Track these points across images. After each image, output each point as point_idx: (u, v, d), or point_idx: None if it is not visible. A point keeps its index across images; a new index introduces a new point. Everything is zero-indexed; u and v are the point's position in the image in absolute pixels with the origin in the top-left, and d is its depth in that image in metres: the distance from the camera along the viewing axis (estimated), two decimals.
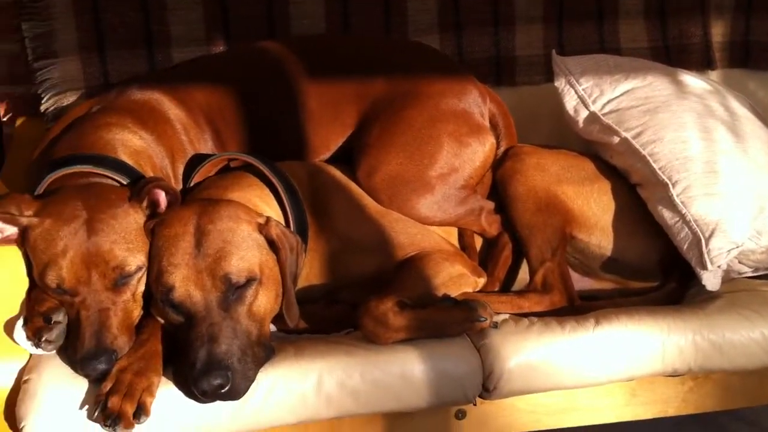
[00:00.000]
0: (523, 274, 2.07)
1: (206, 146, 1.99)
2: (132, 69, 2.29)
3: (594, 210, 2.04)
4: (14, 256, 1.65)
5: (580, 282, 2.09)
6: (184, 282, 1.56)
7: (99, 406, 1.48)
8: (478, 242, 2.08)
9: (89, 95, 2.24)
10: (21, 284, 1.65)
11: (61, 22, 2.24)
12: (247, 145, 2.02)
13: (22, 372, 1.62)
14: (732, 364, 1.81)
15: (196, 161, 1.93)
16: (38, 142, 2.07)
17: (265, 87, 2.06)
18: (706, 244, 1.88)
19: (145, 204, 1.66)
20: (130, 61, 2.30)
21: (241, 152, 1.92)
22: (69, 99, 2.25)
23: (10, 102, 2.53)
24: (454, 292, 1.83)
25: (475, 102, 2.10)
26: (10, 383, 1.62)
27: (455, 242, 2.04)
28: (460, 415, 1.80)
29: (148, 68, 2.31)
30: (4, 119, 2.54)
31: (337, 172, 1.99)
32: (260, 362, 1.59)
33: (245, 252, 1.60)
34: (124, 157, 1.78)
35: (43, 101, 2.26)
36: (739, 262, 2.00)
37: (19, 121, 2.39)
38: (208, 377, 1.46)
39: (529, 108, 2.46)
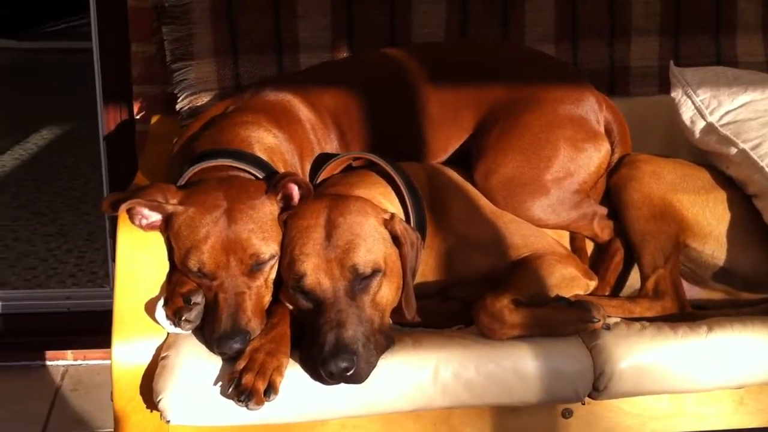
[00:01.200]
0: (633, 281, 2.10)
1: (332, 146, 2.10)
2: (262, 72, 2.42)
3: (709, 219, 2.06)
4: (158, 241, 1.78)
5: (690, 291, 2.10)
6: (315, 270, 1.67)
7: (233, 383, 1.59)
8: (589, 247, 2.12)
9: (222, 96, 2.38)
10: (163, 268, 1.78)
11: (199, 26, 2.39)
12: (370, 146, 2.12)
13: (159, 350, 1.74)
14: None
15: (322, 159, 2.04)
16: (175, 138, 2.24)
17: (388, 92, 2.16)
18: None
19: (279, 197, 1.77)
20: (261, 65, 2.43)
21: (365, 152, 2.02)
22: (203, 99, 2.39)
23: (144, 101, 2.71)
24: (566, 294, 1.88)
25: (592, 109, 2.15)
26: (147, 360, 1.74)
27: (567, 246, 2.09)
28: (567, 414, 1.84)
29: (277, 72, 2.43)
30: (137, 117, 2.73)
31: (454, 174, 2.07)
32: (381, 350, 1.68)
33: (372, 245, 1.69)
34: (260, 153, 1.89)
35: (179, 100, 2.40)
36: None
37: (154, 119, 2.55)
38: (335, 359, 1.56)
39: (642, 118, 2.47)
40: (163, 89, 2.65)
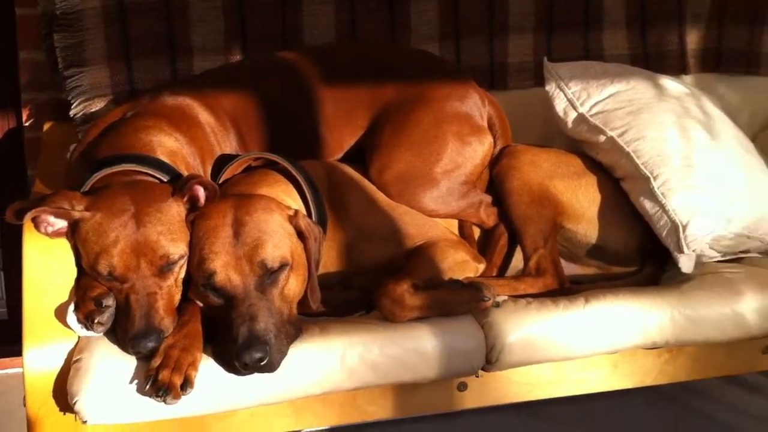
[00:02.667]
0: (516, 262, 2.27)
1: (231, 147, 2.17)
2: (156, 76, 2.46)
3: (582, 202, 2.25)
4: (64, 247, 1.82)
5: (567, 268, 2.27)
6: (225, 267, 1.75)
7: (150, 380, 1.65)
8: (476, 232, 2.28)
9: (116, 101, 2.41)
10: (70, 274, 1.82)
11: (91, 32, 2.39)
12: (268, 146, 2.20)
13: (71, 353, 1.78)
14: (705, 337, 2.03)
15: (222, 161, 2.11)
16: (73, 145, 2.26)
17: (285, 93, 2.25)
18: (684, 231, 2.10)
19: (185, 198, 1.83)
20: (155, 69, 2.46)
21: (266, 152, 2.10)
22: (97, 105, 2.41)
23: (33, 108, 2.70)
24: (459, 276, 2.03)
25: (476, 105, 2.31)
26: (59, 364, 1.78)
27: (456, 232, 2.24)
28: (462, 387, 1.99)
29: (171, 75, 2.47)
30: (26, 124, 2.71)
31: (351, 170, 2.18)
32: (291, 339, 1.78)
33: (279, 240, 1.79)
34: (162, 157, 1.94)
35: (72, 106, 2.41)
36: (710, 248, 2.21)
37: (46, 126, 2.55)
38: (250, 351, 1.65)
39: (520, 110, 2.63)
40: (53, 96, 2.65)
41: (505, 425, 2.48)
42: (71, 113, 2.42)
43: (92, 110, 2.41)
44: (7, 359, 2.87)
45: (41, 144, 2.51)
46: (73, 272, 1.82)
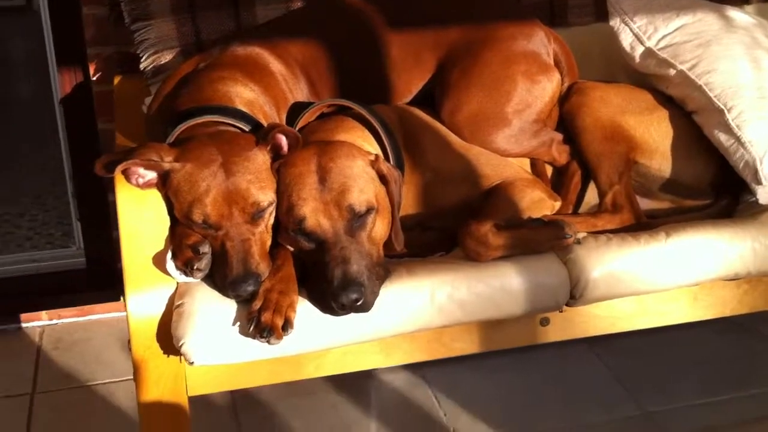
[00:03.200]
0: (589, 198, 2.30)
1: (303, 95, 2.20)
2: (221, 27, 2.46)
3: (654, 137, 2.25)
4: (156, 198, 1.87)
5: (641, 202, 2.27)
6: (314, 213, 1.79)
7: (252, 322, 1.72)
8: (548, 171, 2.30)
9: (184, 53, 2.43)
10: (163, 222, 1.87)
11: None
12: (338, 92, 2.22)
13: (171, 299, 1.85)
14: None
15: (296, 108, 2.14)
16: (147, 98, 2.30)
17: (350, 39, 2.26)
18: (761, 163, 2.10)
19: (269, 147, 1.87)
20: (219, 20, 2.46)
21: (341, 99, 2.12)
22: (166, 57, 2.42)
23: (99, 62, 2.74)
24: (536, 215, 2.06)
25: (542, 42, 2.30)
26: (160, 309, 1.85)
27: (530, 171, 2.26)
28: (545, 322, 2.04)
29: (235, 26, 2.47)
30: (94, 78, 2.75)
31: (422, 113, 2.20)
32: (381, 280, 1.83)
33: (363, 185, 1.82)
34: (241, 107, 1.98)
35: (142, 60, 2.43)
36: None
37: (116, 80, 2.59)
38: (346, 292, 1.70)
39: (581, 46, 2.61)
40: (118, 49, 2.69)
41: (580, 357, 2.54)
42: (141, 66, 2.43)
43: (162, 62, 2.43)
44: (87, 306, 2.95)
45: (114, 98, 2.55)
46: (166, 221, 1.87)
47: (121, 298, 2.97)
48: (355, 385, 2.52)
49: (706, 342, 2.62)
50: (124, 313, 1.88)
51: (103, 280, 2.94)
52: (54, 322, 2.96)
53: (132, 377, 1.87)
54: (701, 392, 2.47)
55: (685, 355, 2.61)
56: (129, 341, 1.85)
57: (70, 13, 2.70)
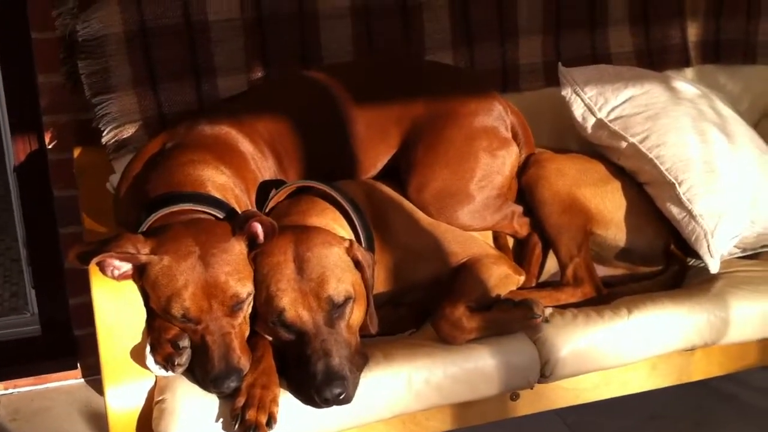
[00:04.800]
0: (549, 266, 2.38)
1: (271, 172, 2.21)
2: (182, 99, 2.47)
3: (609, 208, 2.35)
4: (132, 289, 1.86)
5: (597, 269, 2.38)
6: (293, 304, 1.81)
7: (237, 420, 1.72)
8: (510, 242, 2.37)
9: (146, 126, 2.43)
10: (140, 314, 1.87)
11: (115, 59, 2.39)
12: (305, 167, 2.25)
13: (151, 392, 1.85)
14: (739, 336, 2.17)
15: (264, 187, 2.16)
16: (114, 175, 2.30)
17: (316, 114, 2.29)
18: (712, 236, 2.22)
19: (246, 236, 1.89)
20: (181, 92, 2.47)
21: (310, 180, 2.14)
22: (129, 131, 2.42)
23: (55, 130, 2.71)
24: (503, 292, 2.13)
25: (500, 116, 2.38)
26: (140, 403, 1.85)
27: (492, 244, 2.33)
28: (515, 397, 2.10)
29: (197, 97, 2.49)
30: (50, 146, 2.72)
31: (389, 189, 2.25)
32: (360, 368, 1.87)
33: (341, 274, 1.85)
34: (214, 192, 1.98)
35: (104, 134, 2.40)
36: (734, 246, 2.35)
37: (76, 152, 2.56)
38: (330, 387, 1.73)
39: (532, 110, 2.71)
40: (75, 117, 2.67)
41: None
42: (103, 140, 2.42)
43: (124, 136, 2.42)
44: (42, 376, 2.91)
45: (75, 171, 2.53)
46: (143, 312, 1.87)
47: (78, 365, 2.93)
48: None
49: (661, 395, 2.72)
50: (82, 380, 1.87)
51: (59, 347, 2.90)
52: (10, 391, 2.90)
53: None
54: None
55: (642, 409, 2.71)
56: None
57: (24, 80, 2.66)
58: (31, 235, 2.85)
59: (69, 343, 2.87)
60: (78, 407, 2.79)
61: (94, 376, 2.90)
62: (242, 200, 2.09)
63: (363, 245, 2.03)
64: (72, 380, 2.92)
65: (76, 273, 2.61)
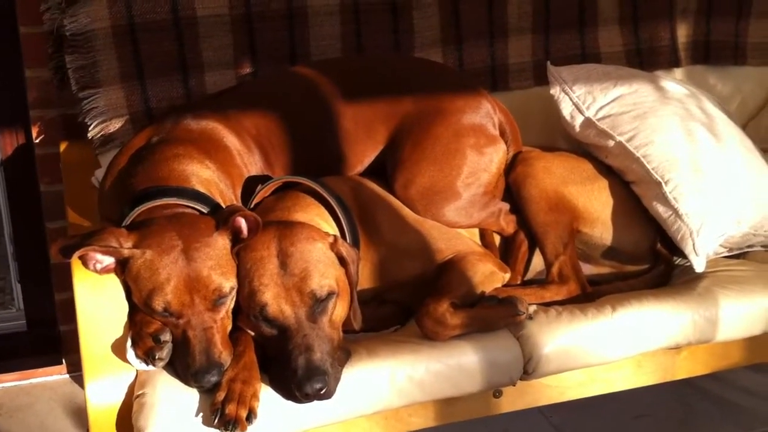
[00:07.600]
0: (535, 264, 2.38)
1: (257, 168, 2.21)
2: (170, 94, 2.47)
3: (595, 206, 2.35)
4: (114, 283, 1.86)
5: (583, 268, 2.38)
6: (276, 299, 1.81)
7: (216, 414, 1.72)
8: (497, 239, 2.37)
9: (133, 121, 2.43)
10: (122, 308, 1.86)
11: (103, 53, 2.39)
12: (292, 163, 2.25)
13: (131, 387, 1.84)
14: (723, 335, 2.17)
15: (250, 183, 2.16)
16: (99, 170, 2.29)
17: (303, 109, 2.29)
18: (698, 235, 2.22)
19: (229, 231, 1.88)
20: (168, 87, 2.47)
21: (296, 175, 2.14)
22: (115, 126, 2.42)
23: (42, 125, 2.70)
24: (488, 289, 2.12)
25: (488, 114, 2.38)
26: (120, 398, 1.84)
27: (479, 241, 2.33)
28: (497, 394, 2.10)
29: (185, 93, 2.49)
30: (37, 141, 2.71)
31: (376, 186, 2.24)
32: (342, 364, 1.86)
33: (324, 269, 1.85)
34: (198, 187, 1.97)
35: (90, 128, 2.41)
36: (720, 245, 2.35)
37: (62, 146, 2.56)
38: (310, 382, 1.72)
39: (521, 109, 2.72)
40: (62, 112, 2.67)
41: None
42: (89, 135, 2.42)
43: (111, 131, 2.42)
44: (27, 371, 2.90)
45: (61, 166, 2.52)
46: (125, 307, 1.86)
47: (63, 361, 2.92)
48: None
49: (646, 394, 2.72)
50: (67, 376, 1.86)
51: (45, 343, 2.89)
52: None
53: None
54: None
55: (627, 407, 2.71)
56: (87, 430, 1.83)
57: (12, 75, 2.65)
58: (18, 230, 2.84)
59: (54, 339, 2.86)
60: (62, 403, 2.78)
61: (78, 372, 2.88)
62: (227, 195, 2.08)
63: (348, 241, 2.03)
64: (57, 376, 2.92)
65: (63, 268, 2.60)
